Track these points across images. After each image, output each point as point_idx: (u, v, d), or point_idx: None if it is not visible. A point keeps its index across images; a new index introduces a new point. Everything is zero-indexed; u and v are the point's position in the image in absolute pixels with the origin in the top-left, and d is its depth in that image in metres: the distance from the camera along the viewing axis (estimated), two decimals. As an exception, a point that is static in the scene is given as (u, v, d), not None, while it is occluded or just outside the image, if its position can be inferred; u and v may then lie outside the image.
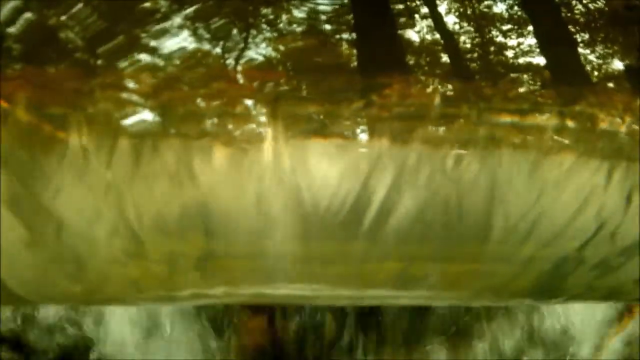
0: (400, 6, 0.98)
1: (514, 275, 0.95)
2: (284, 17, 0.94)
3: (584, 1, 1.02)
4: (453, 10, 1.00)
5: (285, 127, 0.87)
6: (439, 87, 0.90)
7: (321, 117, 0.87)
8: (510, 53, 0.97)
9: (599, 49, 0.99)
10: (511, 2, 1.00)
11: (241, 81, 0.89)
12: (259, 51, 0.91)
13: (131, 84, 0.86)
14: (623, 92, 0.94)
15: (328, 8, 0.96)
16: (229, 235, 0.89)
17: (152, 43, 0.91)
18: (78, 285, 0.91)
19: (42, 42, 0.90)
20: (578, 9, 1.02)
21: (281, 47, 0.92)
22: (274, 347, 1.30)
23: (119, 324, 1.29)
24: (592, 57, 0.99)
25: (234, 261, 0.92)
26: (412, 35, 0.96)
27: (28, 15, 0.90)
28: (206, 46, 0.91)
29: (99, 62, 0.88)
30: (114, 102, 0.85)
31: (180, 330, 1.31)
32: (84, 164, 0.84)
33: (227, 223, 0.88)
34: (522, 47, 0.97)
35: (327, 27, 0.96)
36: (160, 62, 0.89)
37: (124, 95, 0.86)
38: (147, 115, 0.86)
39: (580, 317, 1.32)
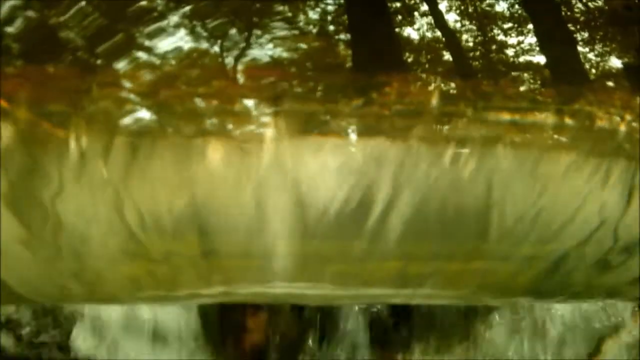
0: (399, 4, 0.98)
1: (514, 273, 0.95)
2: (284, 16, 0.95)
3: (584, 0, 1.02)
4: (454, 8, 1.00)
5: (285, 126, 0.87)
6: (439, 84, 0.90)
7: (320, 115, 0.87)
8: (510, 51, 0.97)
9: (598, 47, 0.99)
10: (512, 0, 1.00)
11: (240, 80, 0.89)
12: (259, 50, 0.91)
13: (129, 83, 0.86)
14: (622, 91, 0.94)
15: (330, 8, 0.96)
16: (227, 234, 0.89)
17: (150, 42, 0.91)
18: (76, 283, 0.91)
19: (40, 41, 0.90)
20: (578, 8, 1.02)
21: (282, 47, 0.92)
22: (274, 346, 1.30)
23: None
24: (591, 56, 0.99)
25: (233, 260, 0.92)
26: (411, 33, 0.96)
27: (27, 13, 0.90)
28: (204, 45, 0.91)
29: (98, 61, 0.88)
30: (113, 101, 0.85)
31: (180, 330, 1.31)
32: (83, 163, 0.84)
33: (225, 222, 0.88)
34: (522, 45, 0.97)
35: (329, 27, 0.96)
36: (158, 61, 0.89)
37: (122, 94, 0.86)
38: (144, 114, 0.86)
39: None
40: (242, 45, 0.91)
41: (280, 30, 0.94)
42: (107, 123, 0.84)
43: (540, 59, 0.97)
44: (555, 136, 0.91)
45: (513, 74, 0.94)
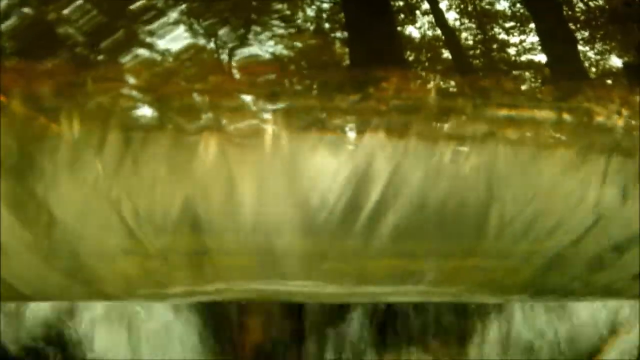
0: (401, 3, 0.98)
1: (511, 270, 0.95)
2: (284, 13, 0.94)
3: (584, -1, 1.02)
4: (454, 6, 1.00)
5: (282, 121, 0.86)
6: (436, 81, 0.90)
7: (318, 110, 0.87)
8: (510, 50, 0.97)
9: (598, 45, 0.99)
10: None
11: (237, 76, 0.89)
12: (257, 47, 0.91)
13: (126, 78, 0.86)
14: (621, 88, 0.94)
15: (327, 5, 0.96)
16: (223, 231, 0.88)
17: (150, 39, 0.91)
18: (71, 280, 0.90)
19: (37, 37, 0.90)
20: (579, 7, 1.02)
21: (280, 44, 0.92)
22: (273, 345, 1.29)
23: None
24: (591, 54, 0.99)
25: (228, 258, 0.92)
26: (412, 31, 0.96)
27: (24, 9, 0.90)
28: (202, 41, 0.91)
29: (93, 56, 0.88)
30: (108, 96, 0.85)
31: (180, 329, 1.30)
32: (76, 157, 0.83)
33: (221, 219, 0.88)
34: (523, 44, 0.97)
35: (326, 24, 0.96)
36: (157, 57, 0.89)
37: (118, 89, 0.86)
38: (141, 109, 0.86)
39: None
40: (240, 42, 0.91)
41: (279, 28, 0.93)
42: (101, 118, 0.84)
43: (541, 58, 0.97)
44: (554, 133, 0.90)
45: (514, 72, 0.94)
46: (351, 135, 0.88)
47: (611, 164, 0.89)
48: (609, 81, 0.96)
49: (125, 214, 0.84)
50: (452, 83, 0.90)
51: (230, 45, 0.89)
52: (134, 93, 0.86)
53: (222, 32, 0.90)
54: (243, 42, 0.89)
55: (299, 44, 0.91)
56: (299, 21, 0.94)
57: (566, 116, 0.90)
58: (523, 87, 0.93)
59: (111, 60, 0.87)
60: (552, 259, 0.93)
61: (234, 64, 0.87)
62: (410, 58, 0.93)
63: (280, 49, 0.90)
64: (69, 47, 0.87)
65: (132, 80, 0.86)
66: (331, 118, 0.87)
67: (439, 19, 0.94)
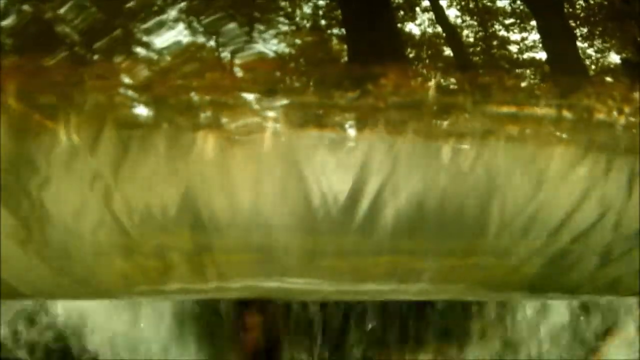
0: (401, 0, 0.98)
1: (512, 268, 0.94)
2: (284, 11, 0.94)
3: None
4: (455, 3, 1.00)
5: (280, 118, 0.86)
6: (436, 78, 0.90)
7: (316, 107, 0.87)
8: (512, 47, 0.96)
9: (597, 43, 0.99)
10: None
11: (236, 74, 0.89)
12: (260, 45, 0.91)
13: (122, 76, 0.86)
14: (620, 85, 0.93)
15: (322, 3, 0.95)
16: (221, 228, 0.88)
17: (147, 37, 0.90)
18: (66, 278, 0.90)
19: (34, 34, 0.90)
20: (579, 4, 1.02)
21: (280, 41, 0.91)
22: (272, 345, 1.29)
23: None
24: (590, 51, 0.98)
25: (227, 255, 0.91)
26: (412, 27, 0.96)
27: (23, 7, 0.90)
28: (201, 39, 0.91)
29: (90, 54, 0.88)
30: (104, 94, 0.85)
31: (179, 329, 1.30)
32: (71, 154, 0.83)
33: (219, 216, 0.88)
34: (524, 41, 0.97)
35: (323, 21, 0.95)
36: (154, 55, 0.89)
37: (115, 87, 0.85)
38: (138, 107, 0.85)
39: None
40: (241, 40, 0.91)
41: (280, 24, 0.93)
42: (98, 116, 0.84)
43: (541, 55, 0.96)
44: (554, 129, 0.90)
45: (516, 70, 0.94)
46: (350, 132, 0.87)
47: (612, 161, 0.89)
48: (609, 78, 0.96)
49: (119, 213, 0.84)
50: (452, 80, 0.90)
51: (230, 43, 0.88)
52: (131, 91, 0.86)
53: (222, 30, 0.90)
54: (244, 39, 0.88)
55: (299, 42, 0.90)
56: (301, 19, 0.93)
57: (566, 113, 0.90)
58: (523, 84, 0.93)
59: (108, 59, 0.87)
60: (554, 256, 0.93)
61: (234, 61, 0.87)
62: (411, 55, 0.92)
63: (282, 47, 0.89)
64: (65, 45, 0.87)
65: (128, 78, 0.86)
66: (330, 115, 0.87)
67: (440, 16, 0.94)
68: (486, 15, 0.99)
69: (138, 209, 0.85)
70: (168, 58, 0.89)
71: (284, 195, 0.88)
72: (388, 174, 0.87)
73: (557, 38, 0.99)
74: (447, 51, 0.96)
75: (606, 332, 1.30)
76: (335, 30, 0.93)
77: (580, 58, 0.96)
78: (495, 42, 0.97)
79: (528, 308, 1.30)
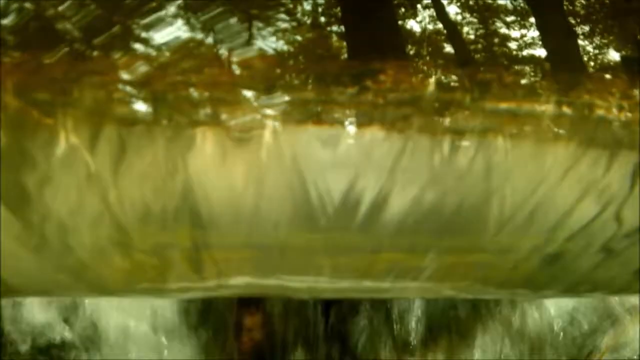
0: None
1: (512, 265, 0.94)
2: (284, 7, 0.94)
3: (583, -9, 1.02)
4: (455, 0, 0.99)
5: (280, 115, 0.86)
6: (436, 74, 0.90)
7: (315, 104, 0.86)
8: (512, 44, 0.96)
9: (597, 39, 0.99)
10: (514, -7, 1.00)
11: (235, 71, 0.88)
12: (256, 41, 0.91)
13: (120, 72, 0.86)
14: (620, 81, 0.93)
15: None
16: (220, 226, 0.88)
17: (145, 33, 0.90)
18: (66, 275, 0.90)
19: (36, 31, 0.90)
20: (578, 1, 1.02)
21: (279, 38, 0.91)
22: (272, 344, 1.29)
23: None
24: (590, 48, 0.98)
25: (227, 253, 0.91)
26: (412, 24, 0.95)
27: (24, 5, 0.90)
28: (200, 36, 0.91)
29: (90, 50, 0.87)
30: (103, 90, 0.85)
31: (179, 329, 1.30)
32: (70, 151, 0.83)
33: (219, 214, 0.87)
34: (524, 38, 0.96)
35: (323, 18, 0.95)
36: (153, 52, 0.89)
37: (112, 83, 0.85)
38: (136, 104, 0.85)
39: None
40: (241, 36, 0.91)
41: (280, 21, 0.93)
42: (96, 112, 0.84)
43: (541, 52, 0.96)
44: (554, 126, 0.90)
45: (516, 67, 0.94)
46: (350, 128, 0.87)
47: (613, 157, 0.89)
48: (608, 75, 0.96)
49: (117, 209, 0.84)
50: (452, 77, 0.90)
51: (229, 39, 0.88)
52: (129, 87, 0.86)
53: (221, 26, 0.90)
54: (243, 36, 0.88)
55: (299, 38, 0.90)
56: (301, 15, 0.93)
57: (566, 109, 0.89)
58: (523, 81, 0.93)
59: (106, 55, 0.86)
60: (554, 253, 0.92)
61: (232, 58, 0.87)
62: (411, 52, 0.92)
63: (281, 44, 0.89)
64: (65, 42, 0.87)
65: (127, 74, 0.86)
66: (329, 111, 0.87)
67: (440, 13, 0.93)
68: (487, 13, 0.99)
69: (136, 206, 0.85)
70: (167, 54, 0.88)
71: (283, 191, 0.88)
72: (388, 170, 0.87)
73: (557, 35, 0.99)
74: (448, 48, 0.96)
75: (606, 332, 1.30)
76: (335, 27, 0.93)
77: (580, 55, 0.96)
78: (495, 39, 0.97)
79: (534, 308, 1.30)
